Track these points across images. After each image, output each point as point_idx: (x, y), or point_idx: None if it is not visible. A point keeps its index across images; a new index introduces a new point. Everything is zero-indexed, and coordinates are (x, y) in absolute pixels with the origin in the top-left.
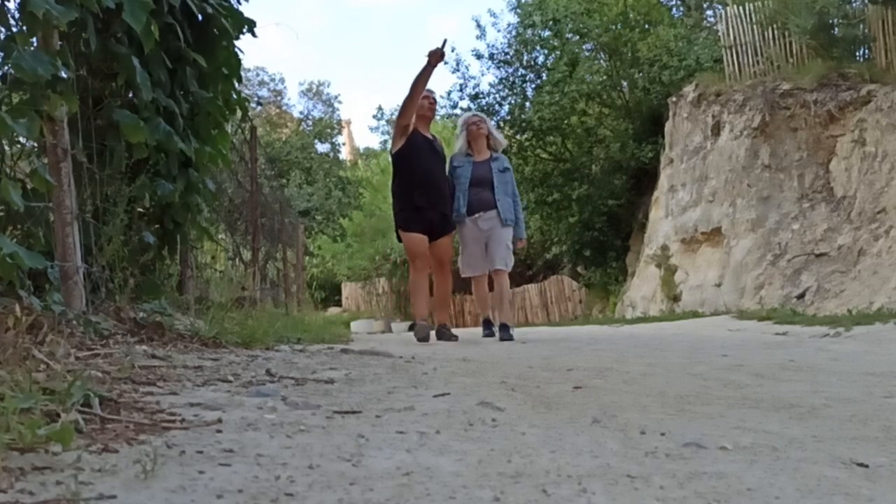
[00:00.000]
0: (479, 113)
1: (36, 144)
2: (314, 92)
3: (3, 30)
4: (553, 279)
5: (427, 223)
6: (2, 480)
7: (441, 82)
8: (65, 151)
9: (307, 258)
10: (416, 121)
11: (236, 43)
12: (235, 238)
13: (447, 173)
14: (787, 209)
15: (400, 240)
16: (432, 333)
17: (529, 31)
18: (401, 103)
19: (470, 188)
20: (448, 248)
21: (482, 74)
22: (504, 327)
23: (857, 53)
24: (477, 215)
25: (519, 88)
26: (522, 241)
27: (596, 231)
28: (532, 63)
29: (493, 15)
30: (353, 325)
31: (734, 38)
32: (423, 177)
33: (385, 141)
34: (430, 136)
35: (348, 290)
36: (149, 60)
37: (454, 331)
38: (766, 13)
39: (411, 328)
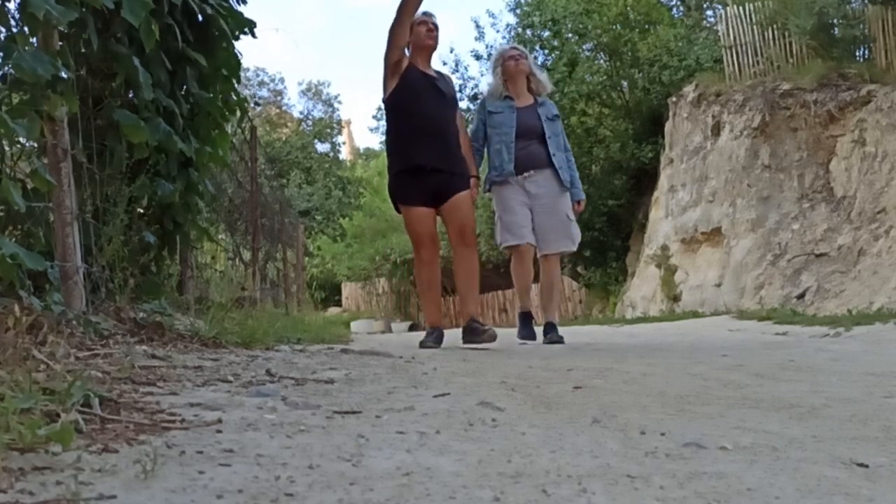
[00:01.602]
0: (517, 46)
1: (36, 144)
2: (314, 92)
3: (3, 30)
4: None
5: (431, 189)
6: (2, 480)
7: None
8: (65, 151)
9: (307, 258)
10: (412, 54)
11: (236, 44)
12: (235, 238)
13: (479, 122)
14: (787, 209)
15: (399, 210)
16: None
17: (528, 32)
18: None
19: (516, 140)
20: (468, 209)
21: (481, 75)
22: (551, 327)
23: (857, 53)
24: (525, 175)
25: None
26: (581, 204)
27: (596, 231)
28: None
29: (492, 16)
30: (353, 326)
31: (734, 38)
32: (424, 125)
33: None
34: (434, 73)
35: (348, 290)
36: (149, 61)
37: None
38: (766, 13)
39: (412, 328)
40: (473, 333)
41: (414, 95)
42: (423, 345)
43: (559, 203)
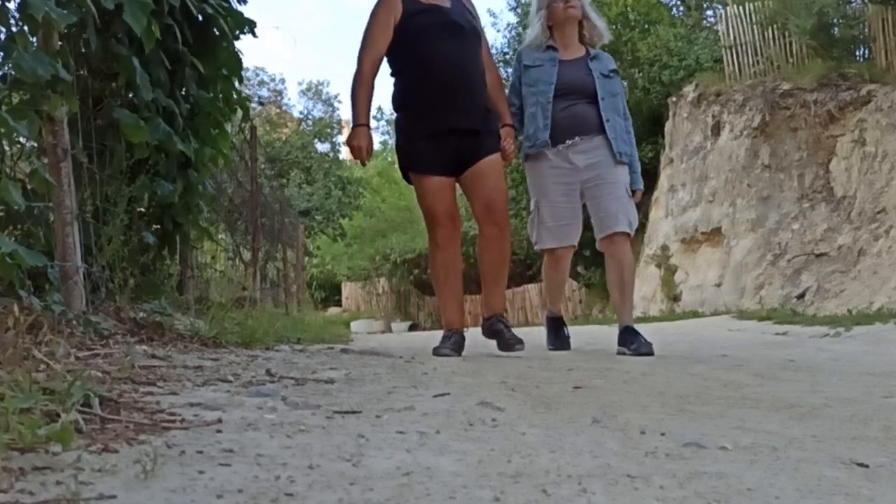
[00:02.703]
0: None
1: (36, 144)
2: (314, 92)
3: (3, 30)
4: None
5: (451, 153)
6: (2, 480)
7: None
8: (65, 151)
9: (307, 258)
10: None
11: (236, 43)
12: (235, 238)
13: (514, 80)
14: (787, 209)
15: (409, 180)
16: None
17: None
18: None
19: (555, 101)
20: (498, 179)
21: None
22: (632, 333)
23: (857, 53)
24: (568, 143)
25: None
26: (639, 195)
27: None
28: None
29: (493, 15)
30: (353, 325)
31: (734, 38)
32: (439, 65)
33: (385, 141)
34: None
35: (348, 290)
36: (149, 61)
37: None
38: (766, 13)
39: (412, 328)
40: (499, 336)
41: (423, 30)
42: (437, 352)
43: (617, 174)
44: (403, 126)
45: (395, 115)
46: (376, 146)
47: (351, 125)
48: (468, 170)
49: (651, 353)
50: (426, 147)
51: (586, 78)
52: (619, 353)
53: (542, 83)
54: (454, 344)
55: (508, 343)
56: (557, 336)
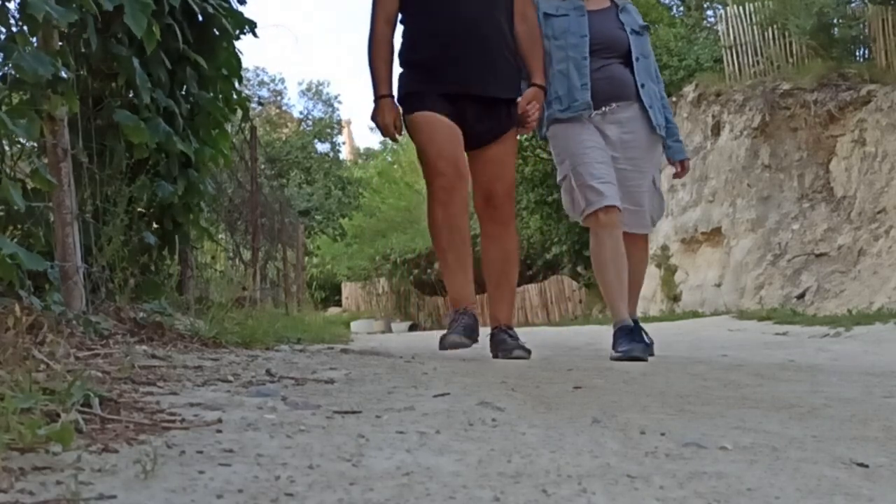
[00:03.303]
0: None
1: (36, 144)
2: (314, 92)
3: (3, 30)
4: (553, 279)
5: (460, 111)
6: (2, 480)
7: None
8: (65, 151)
9: (307, 258)
10: None
11: (236, 43)
12: (235, 238)
13: (537, 25)
14: (787, 209)
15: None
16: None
17: None
18: None
19: (591, 58)
20: (505, 167)
21: None
22: (635, 332)
23: (857, 54)
24: (605, 109)
25: None
26: (686, 165)
27: None
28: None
29: None
30: (353, 325)
31: (734, 38)
32: (447, 16)
33: (385, 141)
34: None
35: (348, 290)
36: (149, 61)
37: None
38: (766, 13)
39: (412, 328)
40: (503, 347)
41: None
42: (444, 343)
43: (647, 159)
44: (406, 80)
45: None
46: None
47: (374, 101)
48: (476, 149)
49: (650, 354)
50: (425, 89)
51: (619, 33)
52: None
53: (572, 35)
54: (465, 328)
55: (507, 348)
56: (627, 340)
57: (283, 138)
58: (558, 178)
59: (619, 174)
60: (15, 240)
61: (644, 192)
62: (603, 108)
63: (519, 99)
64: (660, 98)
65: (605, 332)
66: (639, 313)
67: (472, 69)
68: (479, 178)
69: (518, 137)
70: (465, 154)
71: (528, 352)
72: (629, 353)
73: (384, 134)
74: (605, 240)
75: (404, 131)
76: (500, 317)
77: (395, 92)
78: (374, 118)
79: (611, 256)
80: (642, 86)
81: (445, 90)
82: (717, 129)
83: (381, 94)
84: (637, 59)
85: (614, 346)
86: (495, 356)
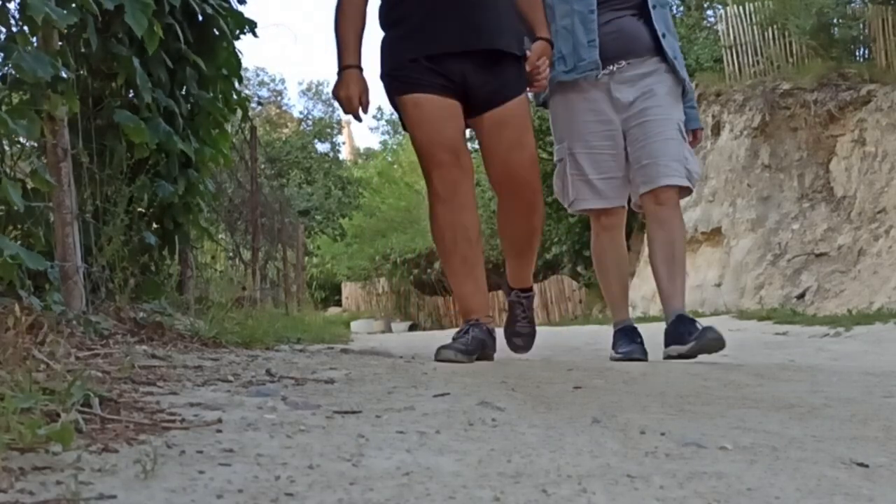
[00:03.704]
0: None
1: (36, 144)
2: (314, 92)
3: (3, 30)
4: (553, 279)
5: (457, 76)
6: (2, 480)
7: None
8: (65, 151)
9: (307, 258)
10: None
11: (236, 43)
12: (235, 238)
13: None
14: (787, 209)
15: (399, 111)
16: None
17: None
18: None
19: (599, 11)
20: (523, 132)
21: None
22: (685, 321)
23: (857, 53)
24: (613, 69)
25: None
26: (699, 136)
27: None
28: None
29: None
30: (353, 325)
31: (734, 38)
32: None
33: (385, 141)
34: None
35: (348, 290)
36: (149, 61)
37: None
38: (766, 13)
39: (412, 328)
40: (517, 343)
41: None
42: (438, 353)
43: (671, 107)
44: (389, 47)
45: (382, 32)
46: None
47: (337, 72)
48: (483, 114)
49: (720, 344)
50: (421, 68)
51: None
52: (668, 355)
53: None
54: (470, 343)
55: (520, 342)
56: (627, 340)
57: (283, 138)
58: (555, 158)
59: (637, 131)
60: (15, 240)
61: (668, 141)
62: (611, 67)
63: (527, 52)
64: (679, 51)
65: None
66: (638, 313)
67: (467, 21)
68: (495, 148)
69: None
70: (475, 121)
71: (530, 336)
72: (630, 355)
73: (346, 110)
74: (607, 244)
75: (385, 112)
76: (518, 279)
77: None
78: (335, 92)
79: (612, 259)
80: (663, 36)
81: (437, 50)
82: (717, 129)
83: (345, 65)
84: (654, 7)
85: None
86: (514, 346)
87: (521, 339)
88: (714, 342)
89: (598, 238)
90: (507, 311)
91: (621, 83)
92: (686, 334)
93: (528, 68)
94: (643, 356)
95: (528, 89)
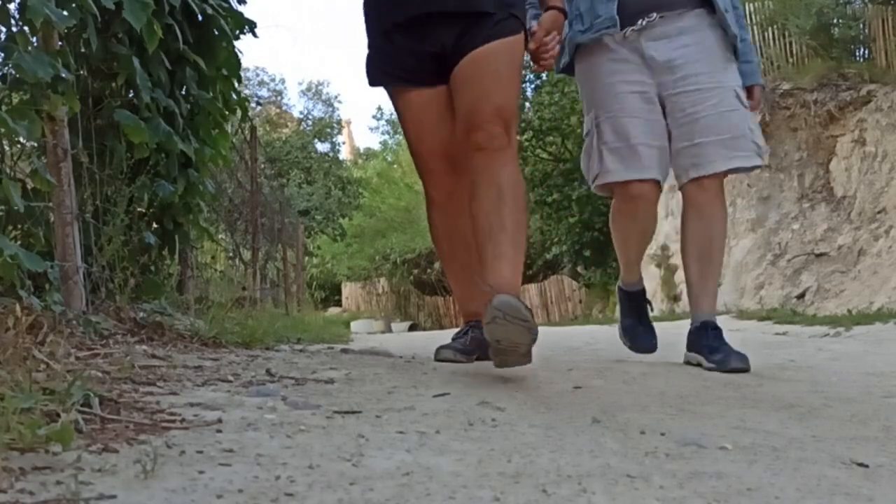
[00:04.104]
0: None
1: (36, 144)
2: (314, 92)
3: (3, 30)
4: (553, 279)
5: (435, 46)
6: (2, 480)
7: None
8: (65, 151)
9: (307, 258)
10: None
11: (236, 43)
12: (235, 238)
13: None
14: (787, 209)
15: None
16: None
17: None
18: None
19: None
20: (501, 80)
21: None
22: (712, 335)
23: (857, 53)
24: (641, 23)
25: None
26: (757, 94)
27: (596, 231)
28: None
29: None
30: (353, 325)
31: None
32: None
33: (385, 141)
34: None
35: (348, 290)
36: (149, 61)
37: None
38: (766, 13)
39: (412, 328)
40: (498, 321)
41: None
42: (438, 353)
43: (722, 73)
44: (366, 20)
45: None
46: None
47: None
48: (456, 67)
49: (746, 369)
50: (394, 47)
51: None
52: (688, 360)
53: None
54: (469, 343)
55: (519, 353)
56: (641, 324)
57: (283, 138)
58: (584, 131)
59: (679, 101)
60: (15, 240)
61: (728, 113)
62: (640, 22)
63: (532, 27)
64: (731, 6)
65: (605, 332)
66: None
67: None
68: (459, 106)
69: (519, 138)
70: (452, 75)
71: (530, 335)
72: (642, 346)
73: (541, 64)
74: (624, 215)
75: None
76: (505, 283)
77: None
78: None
79: (628, 226)
80: None
81: (407, 14)
82: None
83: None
84: None
85: (625, 329)
86: (498, 362)
87: (514, 357)
88: (737, 371)
89: (619, 210)
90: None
91: (654, 40)
92: (707, 350)
93: (532, 46)
94: (651, 343)
95: (533, 68)
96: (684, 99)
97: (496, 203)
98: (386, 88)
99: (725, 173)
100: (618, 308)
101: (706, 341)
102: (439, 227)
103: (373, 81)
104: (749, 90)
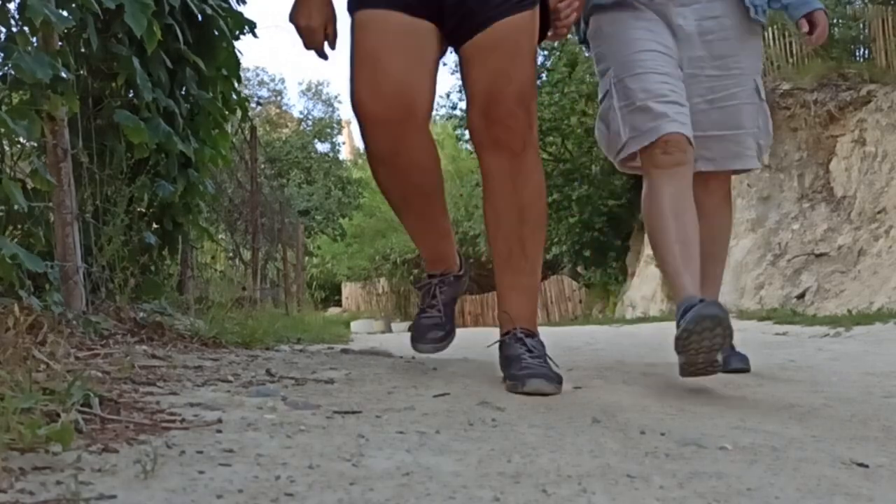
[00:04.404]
0: None
1: (36, 144)
2: (314, 92)
3: (3, 30)
4: (553, 279)
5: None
6: (2, 480)
7: (441, 84)
8: (65, 151)
9: (307, 258)
10: None
11: (236, 43)
12: (235, 238)
13: None
14: (787, 209)
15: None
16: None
17: None
18: None
19: None
20: (520, 61)
21: None
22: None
23: (857, 53)
24: None
25: None
26: (818, 19)
27: (596, 231)
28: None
29: None
30: (353, 325)
31: None
32: None
33: None
34: None
35: (348, 290)
36: (149, 61)
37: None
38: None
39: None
40: (518, 370)
41: None
42: (415, 342)
43: (744, 55)
44: None
45: None
46: None
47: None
48: (468, 41)
49: (747, 369)
50: None
51: None
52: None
53: None
54: (441, 310)
55: (523, 373)
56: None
57: (283, 138)
58: (599, 96)
59: (701, 85)
60: (15, 240)
61: (743, 106)
62: None
63: None
64: None
65: (605, 333)
66: (638, 313)
67: None
68: (475, 82)
69: None
70: (460, 53)
71: (557, 380)
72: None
73: (307, 44)
74: (664, 185)
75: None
76: (514, 311)
77: None
78: (293, 19)
79: (672, 209)
80: None
81: None
82: None
83: None
84: None
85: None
86: (507, 384)
87: (545, 390)
88: (738, 371)
89: (654, 182)
90: (511, 361)
91: (682, 5)
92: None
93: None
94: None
95: (547, 36)
96: (704, 84)
97: (517, 226)
98: (356, 13)
99: (729, 173)
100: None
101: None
102: (386, 183)
103: (351, 6)
104: (810, 18)
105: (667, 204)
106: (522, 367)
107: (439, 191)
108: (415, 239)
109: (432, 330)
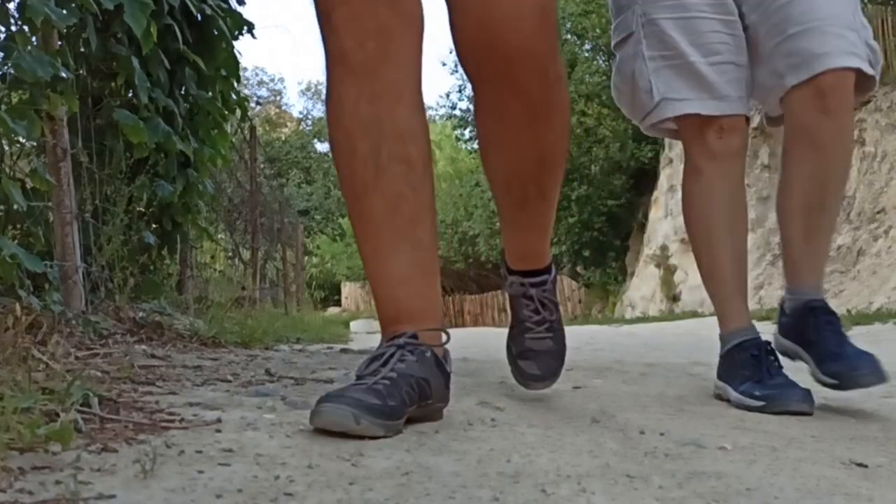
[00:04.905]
0: None
1: (35, 144)
2: (314, 92)
3: (3, 29)
4: None
5: None
6: (1, 480)
7: (441, 84)
8: (64, 151)
9: (306, 258)
10: None
11: (235, 43)
12: (235, 238)
13: None
14: None
15: None
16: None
17: None
18: None
19: None
20: None
21: None
22: (819, 316)
23: None
24: None
25: None
26: None
27: (595, 231)
28: None
29: None
30: (353, 325)
31: None
32: None
33: None
34: None
35: (348, 289)
36: (148, 61)
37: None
38: None
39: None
40: (526, 348)
41: None
42: (317, 414)
43: None
44: None
45: None
46: None
47: None
48: None
49: (883, 378)
50: None
51: None
52: (784, 351)
53: None
54: (387, 386)
55: (522, 356)
56: (775, 377)
57: (283, 138)
58: (613, 40)
59: (768, 4)
60: (15, 240)
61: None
62: None
63: None
64: None
65: (605, 333)
66: (638, 313)
67: None
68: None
69: None
70: None
71: (552, 351)
72: (780, 400)
73: None
74: (719, 184)
75: None
76: (523, 253)
77: None
78: None
79: (729, 218)
80: None
81: None
82: None
83: None
84: None
85: (735, 382)
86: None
87: (537, 361)
88: (869, 379)
89: (702, 176)
90: (511, 314)
91: None
92: (823, 352)
93: None
94: (805, 402)
95: None
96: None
97: (536, 170)
98: None
99: (853, 79)
100: (722, 368)
101: (817, 335)
102: (351, 114)
103: None
104: None
105: (723, 211)
106: (533, 345)
107: (427, 171)
108: (372, 256)
109: (352, 404)
